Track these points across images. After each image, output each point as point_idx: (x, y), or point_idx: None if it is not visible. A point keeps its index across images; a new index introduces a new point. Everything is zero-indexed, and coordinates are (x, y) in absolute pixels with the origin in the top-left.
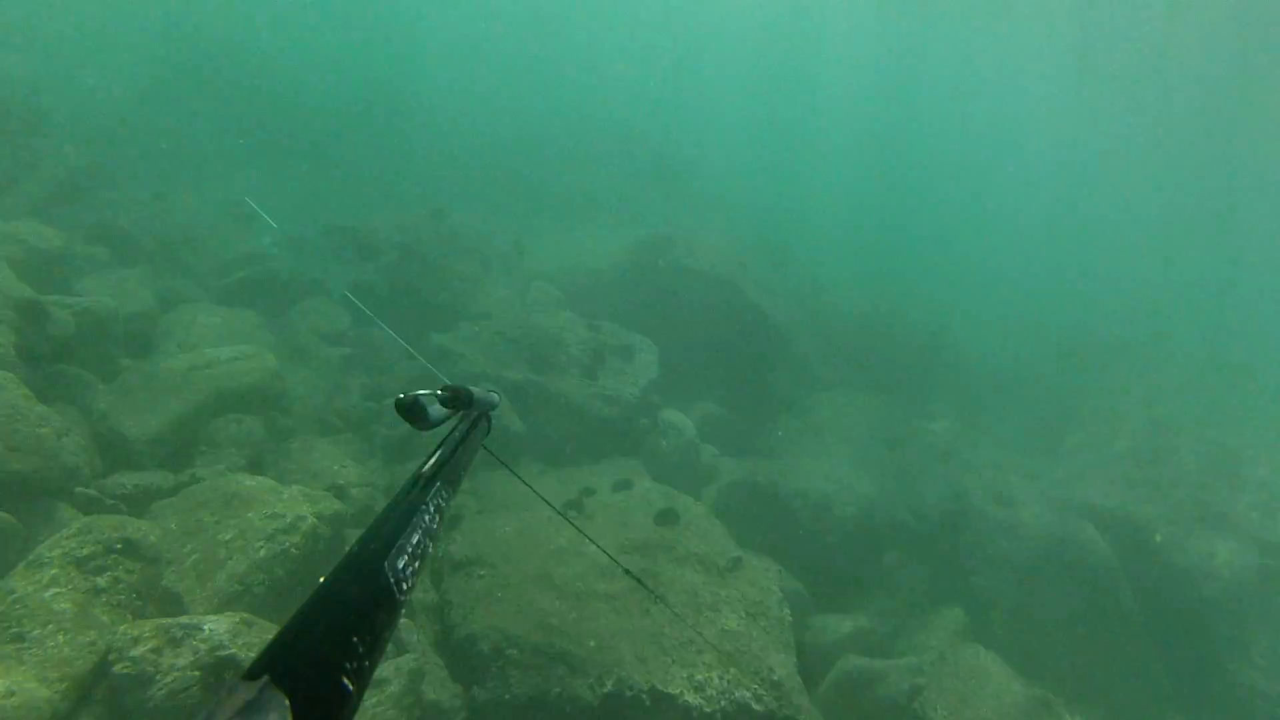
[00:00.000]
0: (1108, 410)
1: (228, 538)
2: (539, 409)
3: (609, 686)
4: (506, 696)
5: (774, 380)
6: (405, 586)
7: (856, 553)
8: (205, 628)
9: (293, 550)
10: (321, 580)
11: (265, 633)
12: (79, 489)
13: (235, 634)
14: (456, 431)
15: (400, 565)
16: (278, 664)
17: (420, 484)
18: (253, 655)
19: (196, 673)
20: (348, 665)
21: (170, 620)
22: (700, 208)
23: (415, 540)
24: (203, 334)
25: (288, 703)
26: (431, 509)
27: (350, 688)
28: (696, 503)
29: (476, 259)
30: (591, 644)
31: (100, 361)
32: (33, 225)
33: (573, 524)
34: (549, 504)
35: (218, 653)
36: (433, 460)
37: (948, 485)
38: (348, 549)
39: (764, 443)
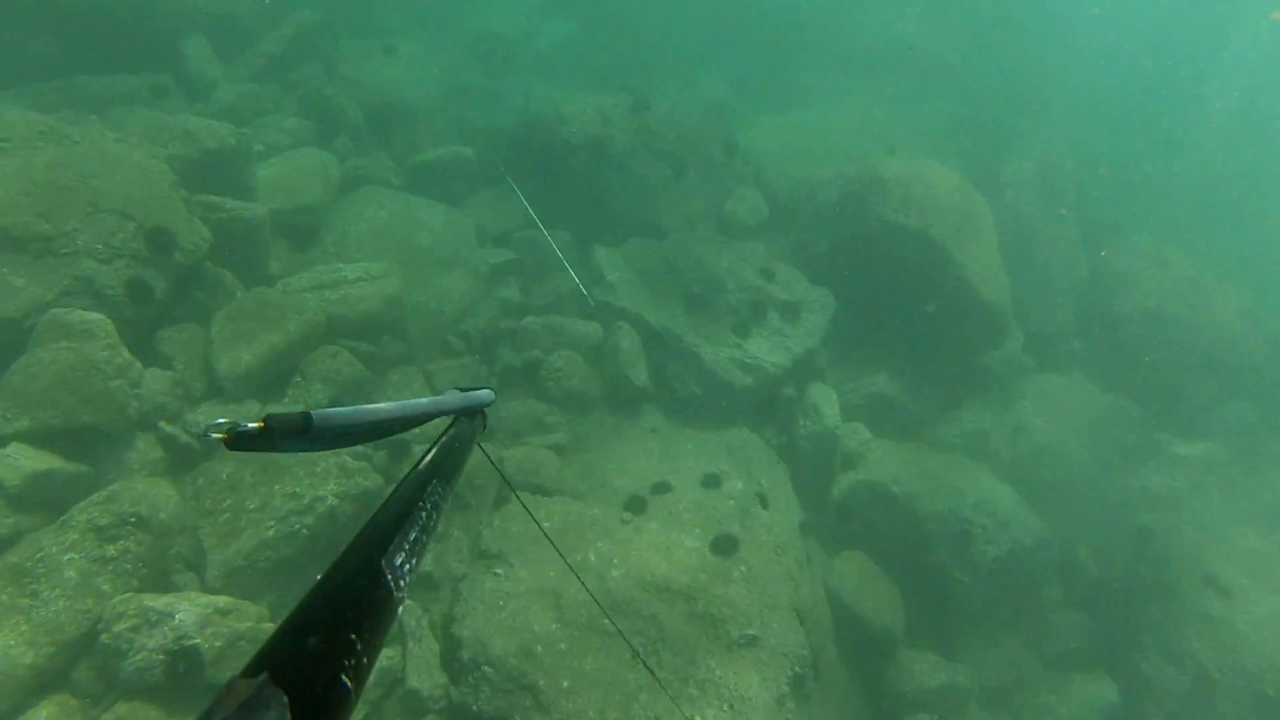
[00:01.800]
0: None
1: (253, 506)
2: (670, 361)
3: None
4: (474, 707)
5: (977, 362)
6: (403, 584)
7: (998, 590)
8: (176, 616)
9: (303, 532)
10: (319, 578)
11: (242, 620)
12: (163, 423)
13: (204, 624)
14: (452, 430)
15: (398, 562)
16: (276, 661)
17: (417, 481)
18: (218, 645)
19: (161, 656)
20: (346, 663)
21: (151, 603)
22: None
23: (413, 537)
24: (359, 234)
25: (286, 700)
26: (429, 506)
27: (349, 685)
28: (771, 531)
29: (669, 163)
30: (565, 684)
31: (247, 267)
32: (210, 121)
33: (573, 571)
34: (555, 547)
35: (182, 641)
36: (428, 458)
37: (1152, 544)
38: (345, 547)
39: (944, 432)
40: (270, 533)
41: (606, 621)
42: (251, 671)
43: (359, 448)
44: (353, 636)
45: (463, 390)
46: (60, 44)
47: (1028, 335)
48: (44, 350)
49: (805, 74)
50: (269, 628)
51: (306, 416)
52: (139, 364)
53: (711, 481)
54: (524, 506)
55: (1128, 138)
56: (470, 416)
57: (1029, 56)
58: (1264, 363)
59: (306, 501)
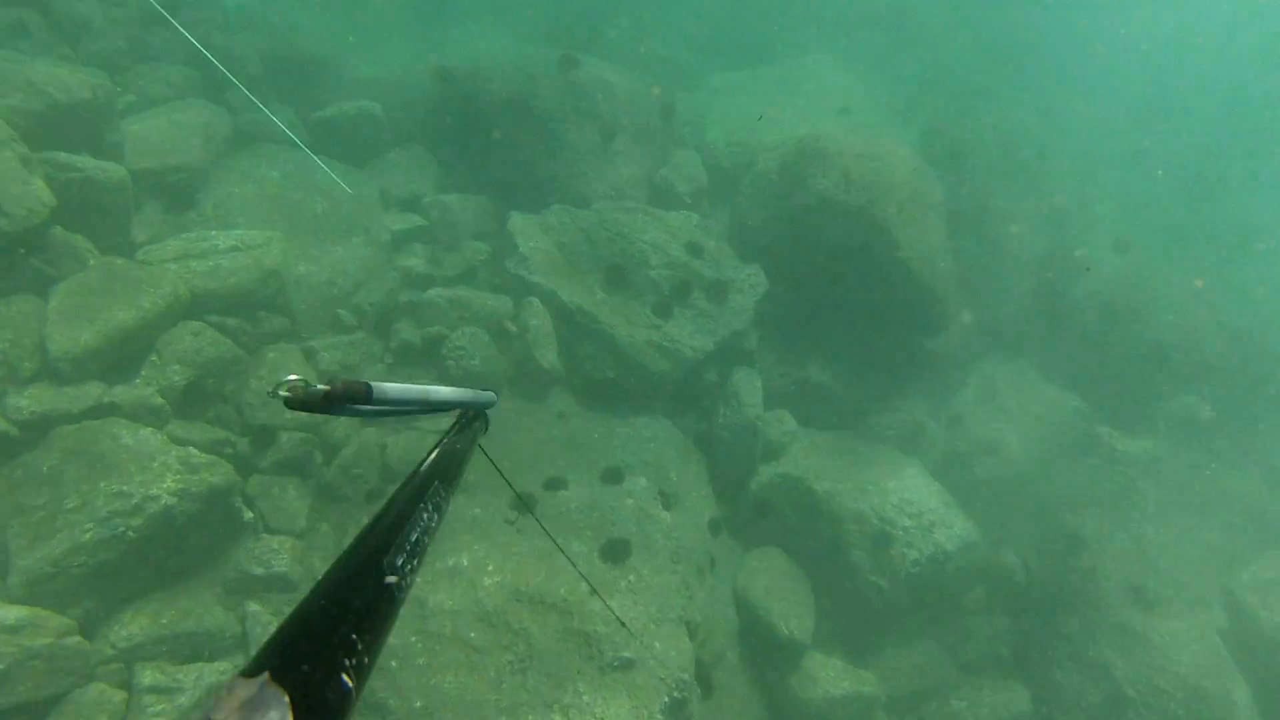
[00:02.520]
0: None
1: (71, 505)
2: (583, 341)
3: None
4: None
5: (918, 348)
6: (404, 584)
7: (916, 595)
8: None
9: (129, 535)
10: (320, 578)
11: (37, 635)
12: None
13: None
14: (453, 430)
15: (399, 563)
16: (277, 661)
17: (419, 482)
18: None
19: None
20: (347, 662)
21: None
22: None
23: (414, 538)
24: (244, 197)
25: (287, 700)
26: (430, 508)
27: (350, 685)
28: (671, 536)
29: (598, 126)
30: (418, 704)
31: (105, 233)
32: (60, 70)
33: None
34: None
35: None
36: (430, 459)
37: (1081, 552)
38: (346, 547)
39: (877, 422)
40: (87, 536)
41: (475, 634)
42: (252, 671)
43: (221, 435)
44: (354, 636)
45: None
46: None
47: (978, 318)
48: None
49: (770, 29)
50: (74, 642)
51: (367, 386)
52: None
53: (612, 477)
54: (525, 506)
55: (1107, 109)
56: (472, 418)
57: (1011, 20)
58: (1220, 359)
59: (135, 501)
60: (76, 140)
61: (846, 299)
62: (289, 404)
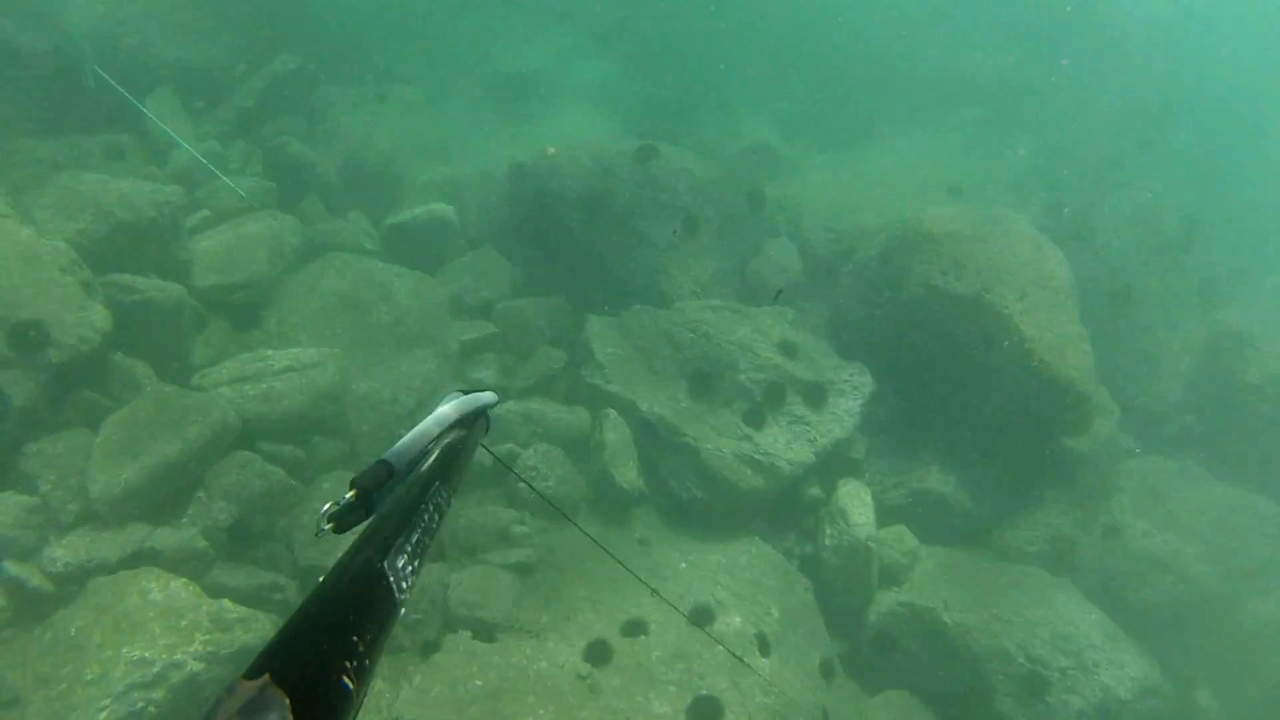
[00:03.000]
0: None
1: (90, 677)
2: (665, 456)
3: None
4: None
5: (1057, 449)
6: (404, 585)
7: None
8: None
9: (150, 710)
10: (321, 580)
11: None
12: (8, 564)
13: None
14: (455, 431)
15: (400, 564)
16: (278, 663)
17: (420, 484)
18: None
19: None
20: (348, 664)
21: None
22: None
23: (415, 540)
24: (309, 312)
25: (288, 702)
26: (431, 508)
27: (350, 686)
28: (770, 691)
29: (680, 219)
30: None
31: (165, 357)
32: (130, 189)
33: None
34: None
35: None
36: (432, 460)
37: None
38: (348, 548)
39: (1014, 538)
40: (103, 715)
41: None
42: (253, 673)
43: (269, 579)
44: (354, 638)
45: (464, 393)
46: (20, 104)
47: (1126, 413)
48: None
49: (868, 107)
50: None
51: (385, 463)
52: None
53: (702, 616)
54: (540, 495)
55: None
56: (474, 418)
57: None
58: None
59: (157, 670)
60: (145, 260)
61: (967, 398)
62: (338, 530)
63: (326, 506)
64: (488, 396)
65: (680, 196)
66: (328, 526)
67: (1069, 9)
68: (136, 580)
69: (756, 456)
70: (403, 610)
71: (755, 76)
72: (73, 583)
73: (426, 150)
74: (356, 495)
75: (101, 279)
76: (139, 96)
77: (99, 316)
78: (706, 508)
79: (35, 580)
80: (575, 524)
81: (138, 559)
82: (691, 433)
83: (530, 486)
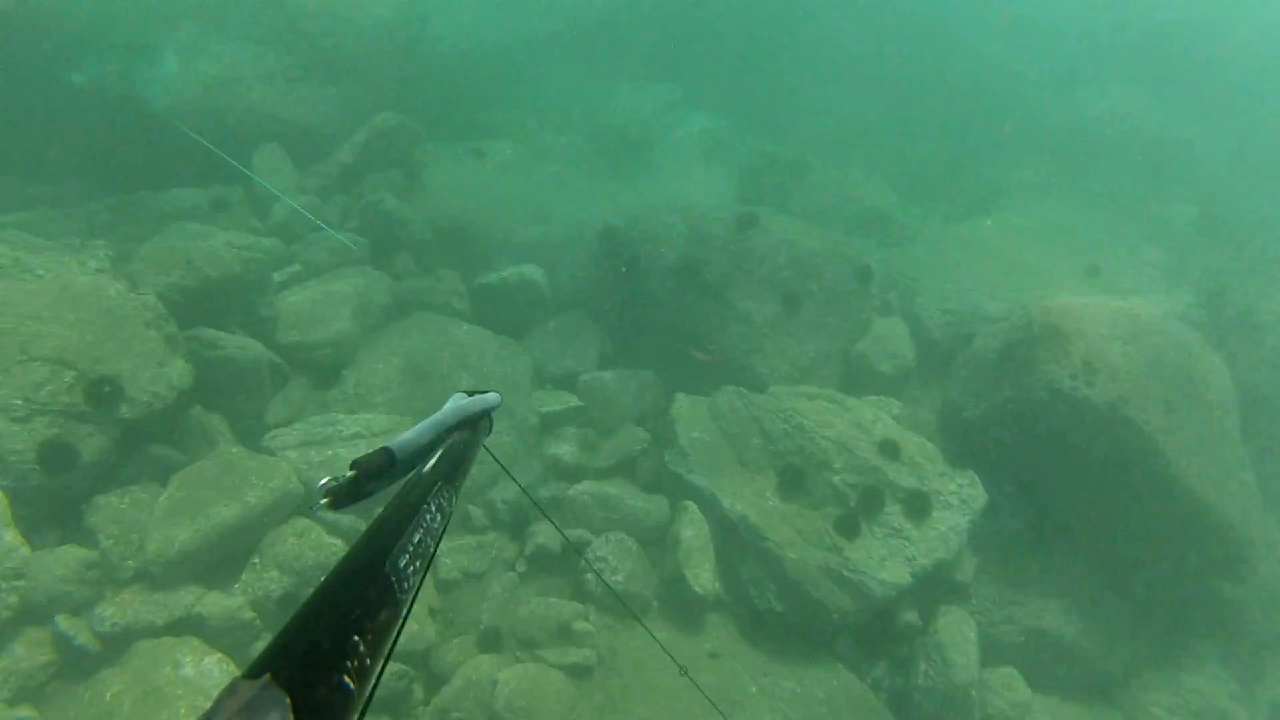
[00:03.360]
0: None
1: None
2: (745, 560)
3: None
4: None
5: (1209, 594)
6: (406, 586)
7: None
8: None
9: None
10: (322, 580)
11: None
12: (60, 619)
13: None
14: (459, 432)
15: (401, 565)
16: (279, 663)
17: (422, 484)
18: None
19: None
20: (349, 664)
21: None
22: None
23: (417, 540)
24: (388, 373)
25: (288, 702)
26: (433, 508)
27: (351, 687)
28: None
29: (780, 293)
30: None
31: (241, 414)
32: (219, 245)
33: None
34: None
35: None
36: (434, 460)
37: None
38: (349, 548)
39: (1149, 700)
40: None
41: None
42: (254, 673)
43: None
44: (355, 638)
45: (469, 394)
46: (140, 158)
47: None
48: None
49: (995, 169)
50: None
51: (388, 450)
52: (24, 548)
53: None
54: (609, 589)
55: None
56: (477, 420)
57: None
58: None
59: None
60: (231, 315)
61: (1098, 523)
62: (332, 507)
63: (325, 480)
64: (492, 398)
65: (781, 270)
66: (324, 501)
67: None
68: (173, 651)
69: (845, 573)
70: (405, 611)
71: (873, 135)
72: (119, 643)
73: (522, 208)
74: (355, 475)
75: (186, 333)
76: (248, 151)
77: (177, 372)
78: (786, 623)
79: (83, 639)
80: (644, 625)
81: (184, 625)
82: (775, 537)
83: (599, 578)
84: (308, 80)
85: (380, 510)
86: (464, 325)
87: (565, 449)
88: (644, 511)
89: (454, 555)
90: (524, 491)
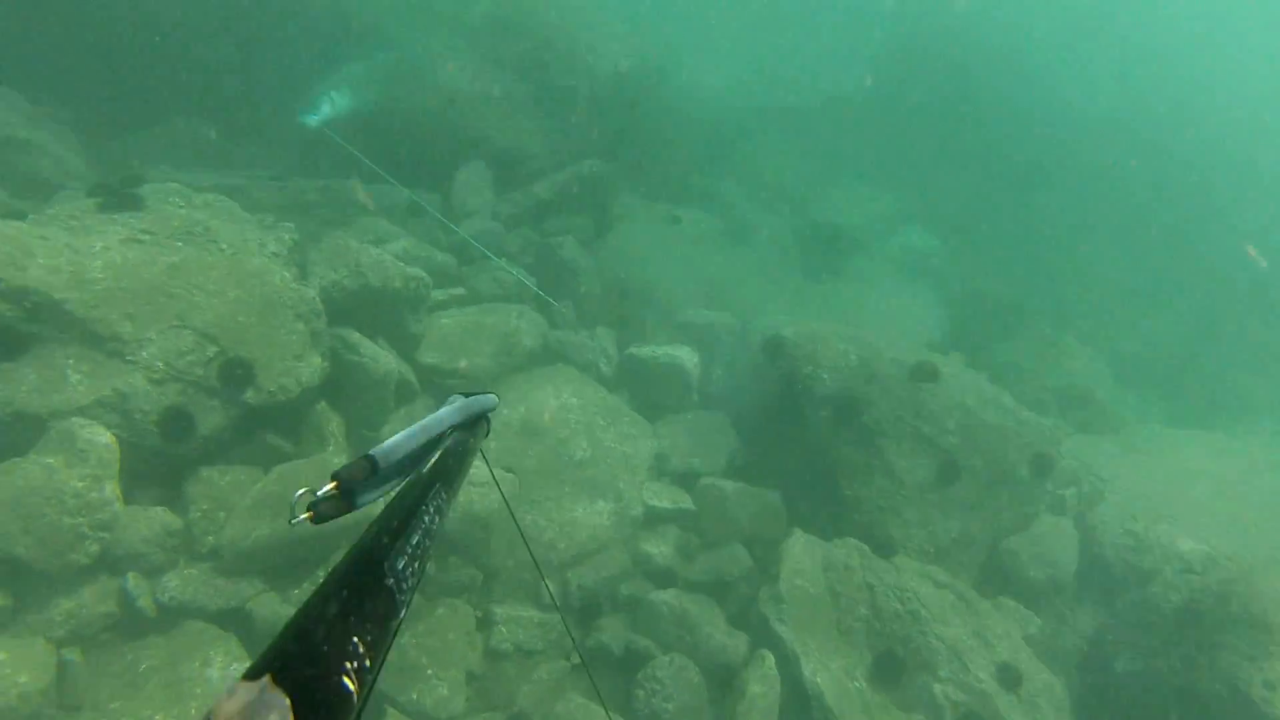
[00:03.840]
0: None
1: None
2: None
3: None
4: None
5: None
6: (405, 587)
7: None
8: None
9: None
10: (322, 581)
11: None
12: (131, 577)
13: None
14: (455, 433)
15: (400, 566)
16: (278, 664)
17: (420, 486)
18: None
19: None
20: (348, 665)
21: None
22: None
23: (415, 541)
24: (510, 421)
25: (288, 703)
26: (431, 509)
27: (351, 688)
28: None
29: (936, 458)
30: None
31: (362, 421)
32: (381, 259)
33: None
34: None
35: None
36: (432, 462)
37: None
38: (348, 550)
39: None
40: None
41: None
42: (253, 674)
43: None
44: (355, 639)
45: (466, 396)
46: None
47: None
48: (28, 461)
49: (1250, 373)
50: None
51: (370, 458)
52: (119, 504)
53: None
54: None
55: None
56: (474, 422)
57: None
58: None
59: None
60: (380, 324)
61: None
62: (316, 521)
63: (301, 493)
64: (489, 400)
65: (947, 434)
66: (304, 516)
67: None
68: (210, 646)
69: None
70: (403, 612)
71: (1103, 296)
72: (173, 617)
73: (700, 286)
74: (336, 487)
75: (333, 330)
76: (458, 164)
77: (310, 369)
78: None
79: (143, 601)
80: None
81: (232, 617)
82: None
83: (648, 702)
84: (532, 111)
85: (379, 511)
86: (601, 392)
87: (660, 549)
88: (720, 646)
89: (511, 626)
90: (504, 501)
